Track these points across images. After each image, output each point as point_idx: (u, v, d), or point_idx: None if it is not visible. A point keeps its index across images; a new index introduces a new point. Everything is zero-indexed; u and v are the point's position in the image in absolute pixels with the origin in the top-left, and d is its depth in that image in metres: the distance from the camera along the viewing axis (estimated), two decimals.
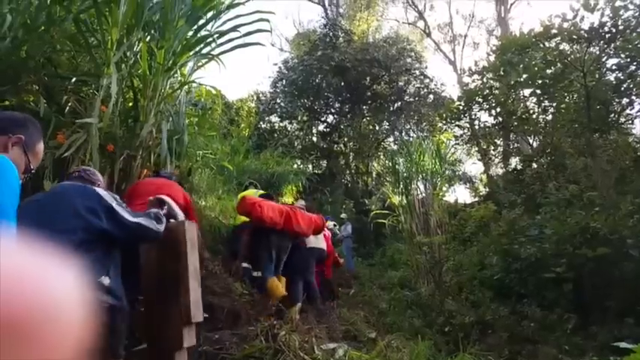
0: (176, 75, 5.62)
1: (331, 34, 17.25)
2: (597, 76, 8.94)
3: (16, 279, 0.25)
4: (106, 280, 2.23)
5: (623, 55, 8.43)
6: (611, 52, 8.60)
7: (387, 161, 15.63)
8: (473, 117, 11.93)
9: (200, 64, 5.66)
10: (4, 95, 4.32)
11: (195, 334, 2.73)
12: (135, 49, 4.90)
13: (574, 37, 8.55)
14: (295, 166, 14.14)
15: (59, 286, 0.27)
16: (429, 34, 25.41)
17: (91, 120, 3.87)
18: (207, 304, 4.09)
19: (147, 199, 3.04)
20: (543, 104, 10.65)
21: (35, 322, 0.25)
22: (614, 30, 8.11)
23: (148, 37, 4.86)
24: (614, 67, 8.81)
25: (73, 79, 4.84)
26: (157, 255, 2.82)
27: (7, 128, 1.92)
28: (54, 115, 4.38)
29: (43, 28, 4.52)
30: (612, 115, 9.13)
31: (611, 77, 9.00)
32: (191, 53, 5.35)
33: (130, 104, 4.87)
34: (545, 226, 7.19)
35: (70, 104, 4.48)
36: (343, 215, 11.85)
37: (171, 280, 2.69)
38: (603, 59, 8.87)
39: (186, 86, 5.69)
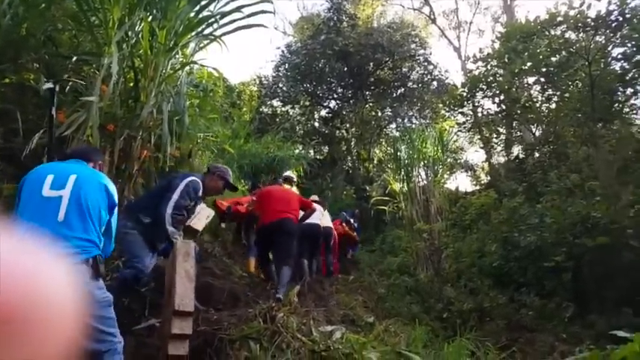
0: (177, 56, 5.59)
1: (335, 18, 17.06)
2: (602, 65, 8.85)
3: (7, 274, 0.25)
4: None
5: (629, 45, 8.34)
6: (617, 41, 8.50)
7: (388, 148, 15.61)
8: (476, 104, 11.86)
9: (202, 45, 5.62)
10: (5, 73, 4.30)
11: (187, 324, 3.04)
12: (136, 28, 4.86)
13: (580, 25, 8.46)
14: (297, 151, 14.11)
15: (51, 282, 0.27)
16: (434, 21, 25.12)
17: (92, 99, 3.84)
18: (207, 285, 4.11)
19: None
20: (547, 92, 10.57)
21: (25, 319, 0.25)
22: (620, 18, 8.01)
23: (150, 17, 4.83)
24: (619, 57, 8.71)
25: (74, 58, 4.82)
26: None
27: (96, 156, 2.91)
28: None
29: (43, 5, 4.49)
30: (616, 104, 9.05)
31: (617, 66, 8.90)
32: (193, 34, 5.31)
33: (131, 84, 4.85)
34: (545, 215, 7.18)
35: (70, 83, 4.45)
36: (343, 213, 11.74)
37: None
38: (609, 48, 8.78)
39: (188, 67, 5.66)
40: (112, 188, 2.67)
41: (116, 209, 2.71)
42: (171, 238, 3.51)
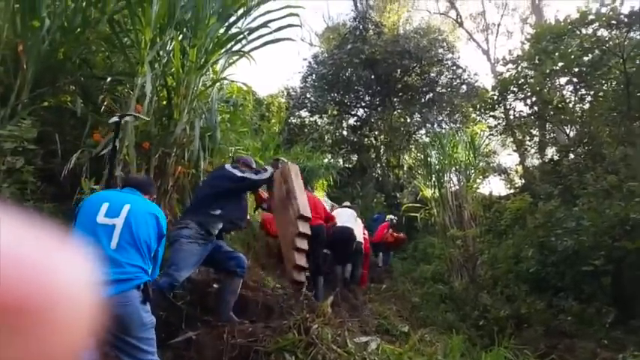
0: (208, 72, 5.70)
1: (361, 26, 17.10)
2: (638, 61, 8.62)
3: (23, 264, 0.25)
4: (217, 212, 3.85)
5: None
6: None
7: (418, 154, 15.49)
8: (507, 107, 11.66)
9: (231, 61, 5.72)
10: (44, 96, 4.47)
11: (307, 226, 4.36)
12: (167, 48, 4.99)
13: (613, 22, 8.27)
14: (326, 160, 14.13)
15: (67, 273, 0.27)
16: (461, 24, 24.93)
17: (127, 118, 3.97)
18: (241, 297, 4.17)
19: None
20: (580, 92, 10.34)
21: (41, 310, 0.25)
22: None
23: (180, 36, 4.95)
24: None
25: (109, 79, 4.98)
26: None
27: (152, 190, 3.18)
28: (90, 115, 4.52)
29: (79, 30, 4.66)
30: None
31: None
32: (222, 51, 5.41)
33: (164, 102, 4.97)
34: (582, 218, 7.00)
35: (105, 103, 4.61)
36: (389, 216, 11.74)
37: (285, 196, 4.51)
38: None
39: (218, 83, 5.76)
40: (163, 219, 2.84)
41: (164, 239, 2.89)
42: (269, 177, 4.51)
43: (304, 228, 4.27)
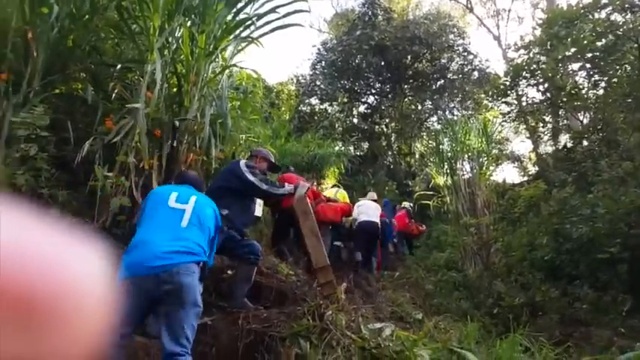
0: (217, 59, 5.65)
1: (370, 12, 16.92)
2: None
3: (39, 260, 0.24)
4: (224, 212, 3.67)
5: None
6: None
7: (430, 141, 15.39)
8: (520, 93, 11.51)
9: (240, 47, 5.67)
10: (54, 84, 4.45)
11: (330, 272, 4.10)
12: (176, 34, 4.95)
13: (627, 5, 8.09)
14: (337, 148, 14.09)
15: (78, 267, 0.26)
16: (471, 10, 24.57)
17: (138, 105, 3.94)
18: (256, 283, 4.16)
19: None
20: (593, 78, 10.17)
21: (51, 304, 0.24)
22: None
23: (189, 22, 4.90)
24: None
25: (118, 66, 4.95)
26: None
27: (204, 187, 3.53)
28: (101, 102, 4.50)
29: (87, 17, 4.62)
30: None
31: None
32: (231, 37, 5.36)
33: (175, 90, 4.95)
34: (597, 205, 6.91)
35: (116, 91, 4.58)
36: (405, 203, 11.73)
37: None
38: None
39: (228, 70, 5.71)
40: (219, 214, 3.26)
41: (219, 232, 3.32)
42: (283, 193, 4.28)
43: (324, 277, 4.05)
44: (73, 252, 0.26)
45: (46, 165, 3.69)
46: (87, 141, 3.98)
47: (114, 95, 4.62)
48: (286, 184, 4.43)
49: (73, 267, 0.26)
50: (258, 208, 4.45)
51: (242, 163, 4.23)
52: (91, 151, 3.99)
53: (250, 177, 4.08)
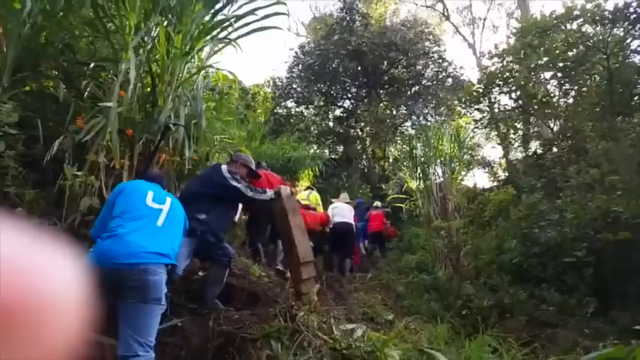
0: (193, 60, 5.62)
1: (348, 17, 17.05)
2: (621, 58, 8.71)
3: (13, 268, 0.25)
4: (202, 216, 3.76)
5: None
6: (636, 34, 8.36)
7: (404, 146, 15.52)
8: (492, 100, 11.75)
9: (217, 48, 5.64)
10: (25, 81, 4.38)
11: (313, 269, 4.34)
12: (152, 34, 4.90)
13: (597, 18, 8.35)
14: (312, 151, 14.14)
15: (57, 276, 0.27)
16: (447, 17, 24.94)
17: (110, 104, 3.90)
18: (227, 285, 4.16)
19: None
20: (564, 87, 10.46)
21: (31, 313, 0.25)
22: (639, 10, 7.89)
23: (166, 22, 4.86)
24: (639, 49, 8.58)
25: (92, 65, 4.88)
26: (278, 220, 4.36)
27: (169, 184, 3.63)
28: (73, 100, 4.43)
29: (61, 14, 4.55)
30: (636, 97, 8.89)
31: (636, 59, 8.78)
32: (208, 38, 5.33)
33: (148, 89, 4.89)
34: (565, 211, 7.11)
35: (89, 89, 4.52)
36: (377, 203, 11.83)
37: (285, 236, 4.32)
38: (627, 41, 8.63)
39: (204, 71, 5.68)
40: (187, 219, 3.34)
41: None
42: (266, 198, 4.21)
43: (307, 273, 4.18)
44: (46, 259, 0.27)
45: (13, 163, 3.62)
46: (57, 140, 3.92)
47: (86, 94, 4.55)
48: (267, 189, 4.42)
49: (47, 275, 0.26)
50: (237, 213, 4.45)
51: (224, 168, 4.16)
52: (61, 149, 3.93)
53: (235, 184, 4.03)
